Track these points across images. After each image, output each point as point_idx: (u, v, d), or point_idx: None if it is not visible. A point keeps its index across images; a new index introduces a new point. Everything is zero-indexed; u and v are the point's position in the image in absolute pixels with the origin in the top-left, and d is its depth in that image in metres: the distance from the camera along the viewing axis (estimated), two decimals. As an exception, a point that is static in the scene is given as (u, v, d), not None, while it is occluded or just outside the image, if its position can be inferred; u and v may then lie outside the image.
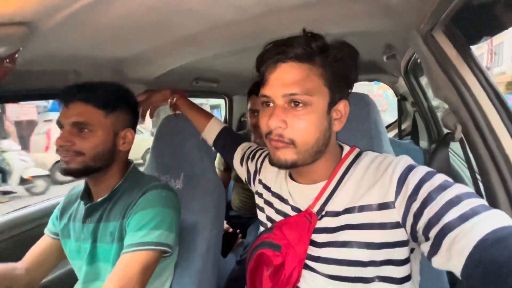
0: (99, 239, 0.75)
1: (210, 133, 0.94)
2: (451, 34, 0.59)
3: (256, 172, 0.77)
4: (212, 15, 0.66)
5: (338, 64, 0.53)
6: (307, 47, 0.51)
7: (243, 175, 0.84)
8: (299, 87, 0.50)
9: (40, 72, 0.82)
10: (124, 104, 0.79)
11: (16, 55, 0.59)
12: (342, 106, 0.55)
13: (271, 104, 0.54)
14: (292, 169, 0.63)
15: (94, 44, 0.76)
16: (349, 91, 0.59)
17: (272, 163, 0.56)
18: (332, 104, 0.54)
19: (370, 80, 2.14)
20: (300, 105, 0.51)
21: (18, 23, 0.51)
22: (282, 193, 0.65)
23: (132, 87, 0.88)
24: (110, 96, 0.76)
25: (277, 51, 0.53)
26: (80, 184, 0.87)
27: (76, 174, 0.72)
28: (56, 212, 0.86)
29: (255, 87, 1.25)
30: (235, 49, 0.93)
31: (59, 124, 0.73)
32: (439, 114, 1.48)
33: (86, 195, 0.81)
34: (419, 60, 1.34)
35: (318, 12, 0.68)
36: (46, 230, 0.85)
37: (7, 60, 0.58)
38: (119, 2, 0.54)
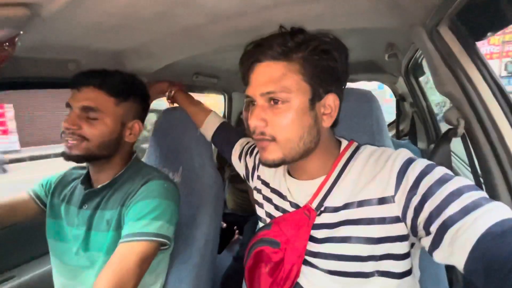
0: (94, 226, 0.74)
1: (209, 127, 0.93)
2: (456, 30, 0.59)
3: (254, 167, 0.77)
4: (217, 6, 0.66)
5: (320, 57, 0.52)
6: (283, 46, 0.51)
7: (241, 171, 0.83)
8: (275, 85, 0.51)
9: (40, 60, 0.81)
10: (136, 95, 0.79)
11: (16, 39, 0.58)
12: (331, 100, 0.54)
13: (255, 103, 0.55)
14: (287, 165, 0.62)
15: (95, 33, 0.74)
16: (341, 84, 0.56)
17: (262, 163, 0.56)
18: (315, 99, 0.52)
19: (369, 80, 2.14)
20: (279, 102, 0.51)
21: (20, 4, 0.50)
22: (281, 189, 0.65)
23: None
24: (124, 85, 0.75)
25: (254, 52, 0.54)
26: (80, 166, 0.86)
27: (78, 159, 0.71)
28: (48, 183, 0.84)
29: None
30: (238, 43, 0.92)
31: (69, 106, 0.72)
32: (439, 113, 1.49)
33: (87, 180, 0.79)
34: (419, 60, 1.35)
35: (324, 6, 0.68)
36: (29, 190, 0.83)
37: (7, 44, 0.57)
38: None
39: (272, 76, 0.52)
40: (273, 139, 0.52)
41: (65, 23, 0.63)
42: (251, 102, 0.56)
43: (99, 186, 0.76)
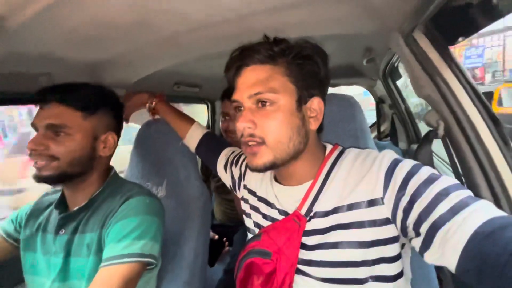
0: (74, 252, 0.69)
1: (192, 138, 0.90)
2: (430, 35, 0.61)
3: (240, 177, 0.75)
4: (196, 15, 0.65)
5: (303, 62, 0.54)
6: (269, 50, 0.54)
7: (227, 182, 0.81)
8: (263, 86, 0.52)
9: (8, 75, 0.76)
10: (106, 106, 0.75)
11: (-22, 55, 0.54)
12: (316, 104, 0.56)
13: (242, 109, 0.55)
14: (275, 171, 0.62)
15: (67, 45, 0.71)
16: (324, 89, 0.59)
17: (251, 169, 0.55)
18: (301, 101, 0.54)
19: (349, 84, 2.20)
20: (267, 104, 0.52)
21: None
22: (268, 197, 0.63)
23: None
24: (91, 98, 0.71)
25: (240, 57, 0.56)
26: (53, 190, 0.80)
27: (50, 181, 0.66)
28: (19, 216, 0.78)
29: (228, 91, 1.24)
30: (218, 52, 0.92)
31: (34, 126, 0.67)
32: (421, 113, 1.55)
33: (62, 203, 0.74)
34: (396, 64, 1.40)
35: (303, 14, 0.69)
36: None
37: (-32, 60, 0.53)
38: (93, 0, 0.50)
39: (259, 78, 0.53)
40: (263, 142, 0.52)
41: (34, 34, 0.60)
42: (236, 108, 0.57)
43: (75, 209, 0.71)
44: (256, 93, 0.52)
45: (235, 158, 0.79)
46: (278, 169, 0.57)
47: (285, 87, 0.53)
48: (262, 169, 0.54)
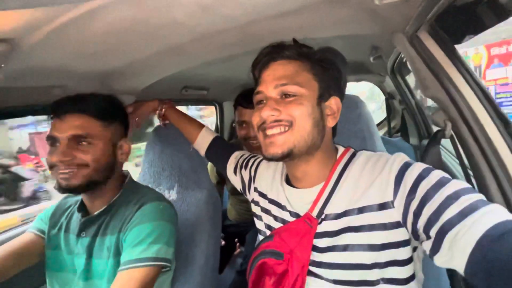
0: (95, 254, 0.73)
1: (202, 143, 0.92)
2: (436, 35, 0.60)
3: (250, 180, 0.77)
4: (199, 25, 0.66)
5: (327, 66, 0.57)
6: (298, 48, 0.58)
7: (237, 185, 0.82)
8: (289, 79, 0.56)
9: (24, 89, 0.80)
10: (120, 115, 0.78)
11: (-3, 73, 0.57)
12: (333, 103, 0.58)
13: (264, 101, 0.58)
14: (287, 164, 0.62)
15: (79, 59, 0.74)
16: (342, 93, 0.61)
17: (267, 157, 0.56)
18: (322, 97, 0.57)
19: (357, 81, 2.17)
20: (291, 97, 0.55)
21: None
22: (279, 199, 0.64)
23: (121, 99, 0.86)
24: (108, 107, 0.75)
25: (270, 51, 0.60)
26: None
27: (78, 189, 0.69)
28: (46, 214, 0.82)
29: (241, 99, 1.23)
30: (223, 57, 0.93)
31: (52, 139, 0.68)
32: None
33: (83, 207, 0.78)
34: (404, 60, 1.37)
35: (305, 18, 0.69)
36: (32, 228, 0.80)
37: (-12, 79, 0.56)
38: (102, 17, 0.52)
39: (286, 71, 0.57)
40: (290, 124, 0.54)
41: (47, 51, 0.63)
42: (259, 102, 0.59)
43: (95, 213, 0.75)
44: (282, 84, 0.55)
45: (245, 161, 0.80)
46: (292, 162, 0.58)
47: (309, 83, 0.56)
48: (279, 157, 0.55)
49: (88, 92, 0.76)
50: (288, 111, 0.54)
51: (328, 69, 0.58)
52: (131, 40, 0.68)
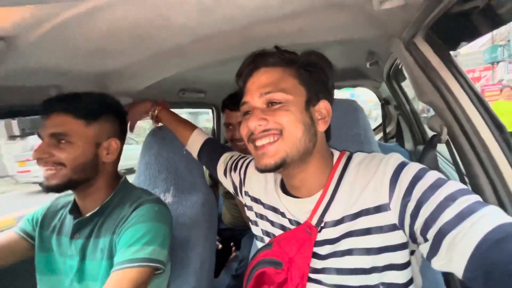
0: (88, 256, 0.72)
1: (194, 145, 0.91)
2: (431, 41, 0.61)
3: (241, 183, 0.75)
4: (198, 27, 0.66)
5: (312, 69, 0.56)
6: (280, 55, 0.57)
7: (229, 187, 0.81)
8: (273, 86, 0.54)
9: (20, 88, 0.79)
10: (108, 113, 0.77)
11: (-7, 72, 0.56)
12: (323, 106, 0.57)
13: (250, 112, 0.56)
14: (283, 174, 0.61)
15: (76, 59, 0.73)
16: (330, 95, 0.60)
17: (259, 169, 0.55)
18: (310, 102, 0.55)
19: (353, 86, 2.19)
20: (277, 104, 0.53)
21: None
22: (276, 205, 0.63)
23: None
24: (92, 106, 0.74)
25: (253, 59, 0.58)
26: (66, 194, 0.82)
27: (58, 189, 0.68)
28: (35, 217, 0.81)
29: (228, 101, 1.25)
30: (222, 59, 0.93)
31: (40, 136, 0.70)
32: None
33: (75, 209, 0.77)
34: (400, 66, 1.39)
35: (303, 22, 0.69)
36: (17, 229, 0.80)
37: (-17, 77, 0.55)
38: (100, 17, 0.52)
39: (270, 79, 0.55)
40: (280, 132, 0.52)
41: (44, 51, 0.62)
42: (244, 114, 0.58)
43: (88, 214, 0.74)
44: (267, 92, 0.54)
45: (234, 164, 0.79)
46: (287, 172, 0.56)
47: (295, 89, 0.54)
48: (272, 169, 0.53)
49: (83, 92, 0.76)
50: (276, 119, 0.52)
51: (313, 72, 0.56)
52: (129, 41, 0.68)
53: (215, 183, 1.54)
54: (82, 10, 0.48)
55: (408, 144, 1.74)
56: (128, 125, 0.95)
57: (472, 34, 0.55)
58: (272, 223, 0.64)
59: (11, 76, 0.69)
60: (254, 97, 0.55)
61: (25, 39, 0.53)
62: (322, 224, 0.55)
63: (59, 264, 0.74)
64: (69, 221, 0.76)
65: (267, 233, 0.65)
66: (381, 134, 2.25)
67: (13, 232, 0.79)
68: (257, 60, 0.58)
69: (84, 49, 0.68)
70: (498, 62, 10.80)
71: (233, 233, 1.56)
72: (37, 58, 0.66)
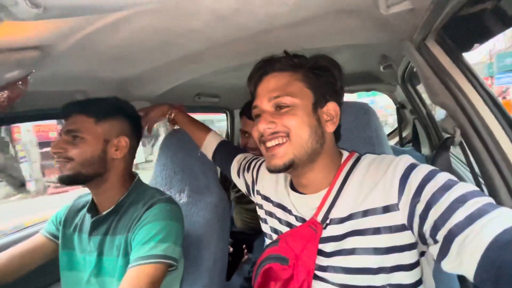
0: (106, 252, 0.76)
1: (209, 147, 0.94)
2: (443, 43, 0.61)
3: (253, 182, 0.78)
4: (214, 34, 0.70)
5: (320, 73, 0.58)
6: (288, 60, 0.59)
7: (242, 187, 0.84)
8: (281, 90, 0.57)
9: (50, 93, 0.85)
10: (119, 114, 0.82)
11: (29, 77, 0.62)
12: (331, 108, 0.59)
13: (261, 115, 0.59)
14: (293, 177, 0.63)
15: (101, 65, 0.79)
16: (339, 97, 0.61)
17: (270, 170, 0.58)
18: (317, 104, 0.57)
19: (367, 90, 2.17)
20: (285, 108, 0.56)
21: (32, 47, 0.54)
22: (284, 202, 0.65)
23: (136, 105, 0.91)
24: (104, 106, 0.80)
25: (262, 65, 0.61)
26: (86, 193, 0.88)
27: (68, 181, 0.73)
28: (58, 217, 0.86)
29: (247, 109, 1.26)
30: (235, 65, 0.97)
31: (59, 134, 0.77)
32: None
33: (93, 207, 0.82)
34: (415, 69, 1.37)
35: (314, 28, 0.71)
36: (43, 231, 0.85)
37: (20, 82, 0.61)
38: (126, 27, 0.57)
39: (279, 83, 0.58)
40: (287, 135, 0.55)
41: (73, 58, 0.68)
42: (257, 116, 0.61)
43: (104, 213, 0.78)
44: (275, 97, 0.57)
45: (247, 164, 0.82)
46: (296, 172, 0.58)
47: (302, 92, 0.57)
48: (281, 169, 0.56)
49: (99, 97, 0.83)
50: (283, 122, 0.55)
51: (320, 75, 0.58)
52: (151, 48, 0.72)
53: (225, 189, 1.57)
54: (109, 21, 0.53)
55: (425, 149, 1.70)
56: (146, 127, 1.00)
57: (484, 35, 0.55)
58: (280, 220, 0.65)
59: (44, 82, 0.75)
60: (263, 101, 0.58)
61: (58, 48, 0.58)
62: (328, 221, 0.56)
63: (80, 261, 0.78)
64: (88, 219, 0.80)
65: (275, 230, 0.67)
66: (397, 139, 2.21)
67: (40, 234, 0.85)
68: (266, 66, 0.61)
69: (109, 56, 0.73)
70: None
71: (245, 237, 1.57)
72: (67, 65, 0.71)
